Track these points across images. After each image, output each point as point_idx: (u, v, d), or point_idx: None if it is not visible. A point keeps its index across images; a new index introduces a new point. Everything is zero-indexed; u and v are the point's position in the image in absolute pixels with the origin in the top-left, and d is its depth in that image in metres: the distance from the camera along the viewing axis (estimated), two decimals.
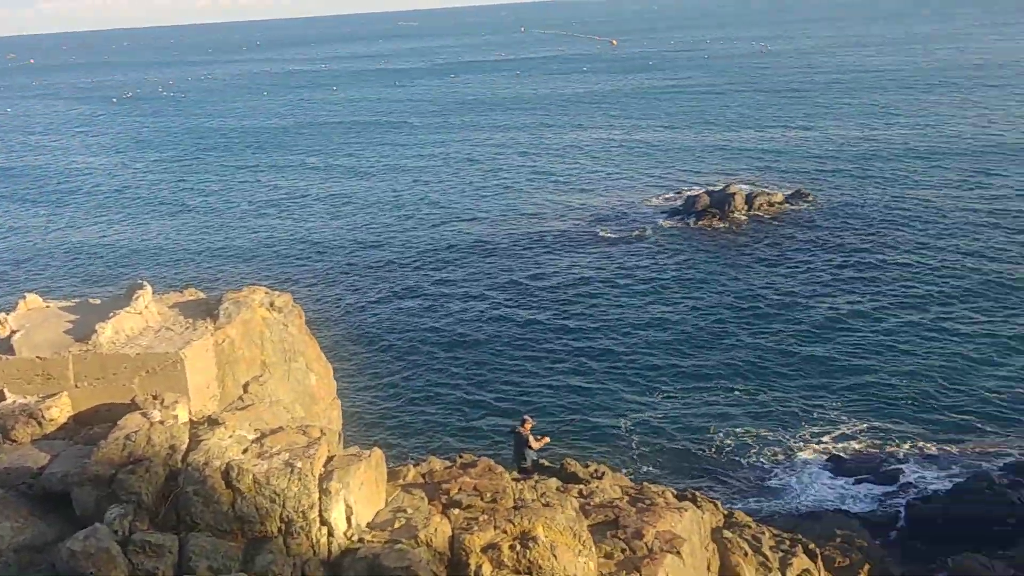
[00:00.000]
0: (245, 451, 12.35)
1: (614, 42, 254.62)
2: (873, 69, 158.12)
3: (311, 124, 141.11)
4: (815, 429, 37.44)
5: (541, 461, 25.17)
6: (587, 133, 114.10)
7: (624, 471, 29.51)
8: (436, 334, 50.47)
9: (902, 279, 52.73)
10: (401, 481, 15.21)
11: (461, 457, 18.92)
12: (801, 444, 36.49)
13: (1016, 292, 49.22)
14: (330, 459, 12.57)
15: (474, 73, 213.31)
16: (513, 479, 16.58)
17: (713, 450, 36.63)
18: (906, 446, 35.71)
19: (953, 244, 57.81)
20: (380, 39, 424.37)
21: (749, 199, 69.96)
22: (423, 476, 15.76)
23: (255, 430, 13.13)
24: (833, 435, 36.94)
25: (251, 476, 11.65)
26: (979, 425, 36.65)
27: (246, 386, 16.14)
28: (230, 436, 12.67)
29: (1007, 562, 25.19)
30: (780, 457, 35.80)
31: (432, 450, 35.08)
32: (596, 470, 24.05)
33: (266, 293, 17.95)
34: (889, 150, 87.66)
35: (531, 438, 23.82)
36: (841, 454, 35.53)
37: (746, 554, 18.96)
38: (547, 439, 25.08)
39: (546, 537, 12.40)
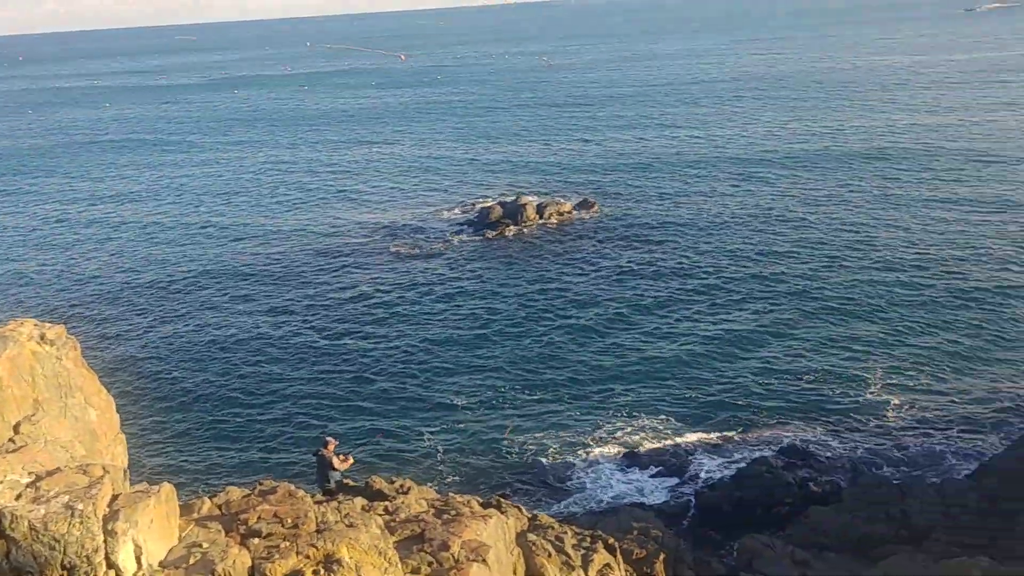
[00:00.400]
0: (19, 497, 11.48)
1: (403, 56, 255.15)
2: (649, 83, 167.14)
3: (79, 144, 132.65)
4: (610, 427, 38.99)
5: (346, 481, 24.74)
6: (377, 148, 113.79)
7: (430, 484, 29.58)
8: (228, 357, 48.73)
9: (679, 279, 55.93)
10: (196, 515, 14.53)
11: (260, 484, 18.26)
12: (598, 443, 37.90)
13: (776, 286, 53.39)
14: (115, 498, 11.85)
15: (259, 88, 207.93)
16: (316, 502, 16.23)
17: (515, 455, 37.40)
18: (693, 437, 37.87)
19: (722, 244, 61.93)
20: (158, 54, 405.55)
21: (540, 209, 72.14)
22: (220, 507, 15.13)
23: (29, 473, 12.22)
24: (626, 431, 38.60)
25: (26, 523, 10.83)
26: (755, 413, 39.38)
27: (17, 427, 14.93)
28: (1, 482, 11.74)
29: (786, 540, 27.20)
30: (579, 457, 37.02)
31: (229, 479, 33.82)
32: (402, 485, 23.95)
33: (35, 326, 16.67)
34: (664, 159, 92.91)
35: (334, 459, 23.36)
36: (635, 449, 37.15)
37: (550, 555, 19.46)
38: (351, 459, 24.68)
39: (350, 558, 12.24)
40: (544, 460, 36.90)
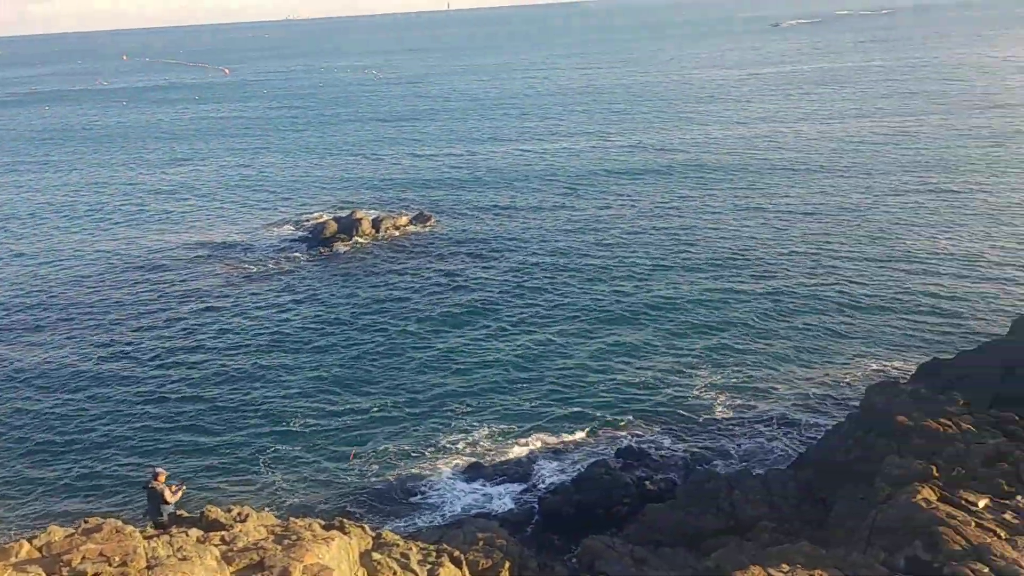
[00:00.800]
0: None
1: (227, 71, 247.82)
2: (477, 96, 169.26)
3: None
4: (452, 439, 39.10)
5: (179, 513, 23.75)
6: (200, 165, 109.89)
7: (269, 509, 28.76)
8: (42, 388, 45.82)
9: (513, 289, 56.83)
10: (13, 559, 13.61)
11: (85, 522, 17.28)
12: (441, 456, 37.93)
13: (604, 292, 55.09)
14: None
15: (72, 104, 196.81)
16: (147, 536, 15.52)
17: (358, 473, 36.93)
18: (535, 444, 38.49)
19: (552, 254, 63.34)
20: None
21: (376, 223, 71.61)
22: (40, 550, 14.23)
23: None
24: (469, 442, 38.81)
25: None
26: (592, 416, 40.43)
27: None
28: None
29: (626, 539, 28.08)
30: (423, 471, 36.91)
31: (50, 518, 31.82)
32: (240, 513, 23.16)
33: None
34: (496, 172, 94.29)
35: (166, 491, 22.41)
36: (478, 460, 37.38)
37: (395, 573, 19.32)
38: (184, 489, 23.75)
39: None
40: (388, 476, 36.59)
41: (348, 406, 42.52)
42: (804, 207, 71.32)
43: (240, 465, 37.81)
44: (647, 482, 33.73)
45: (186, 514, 24.30)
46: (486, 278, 59.30)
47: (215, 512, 23.44)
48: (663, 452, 37.04)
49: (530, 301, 54.55)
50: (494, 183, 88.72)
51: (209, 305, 56.89)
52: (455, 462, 37.44)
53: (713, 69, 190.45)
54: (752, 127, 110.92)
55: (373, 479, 36.50)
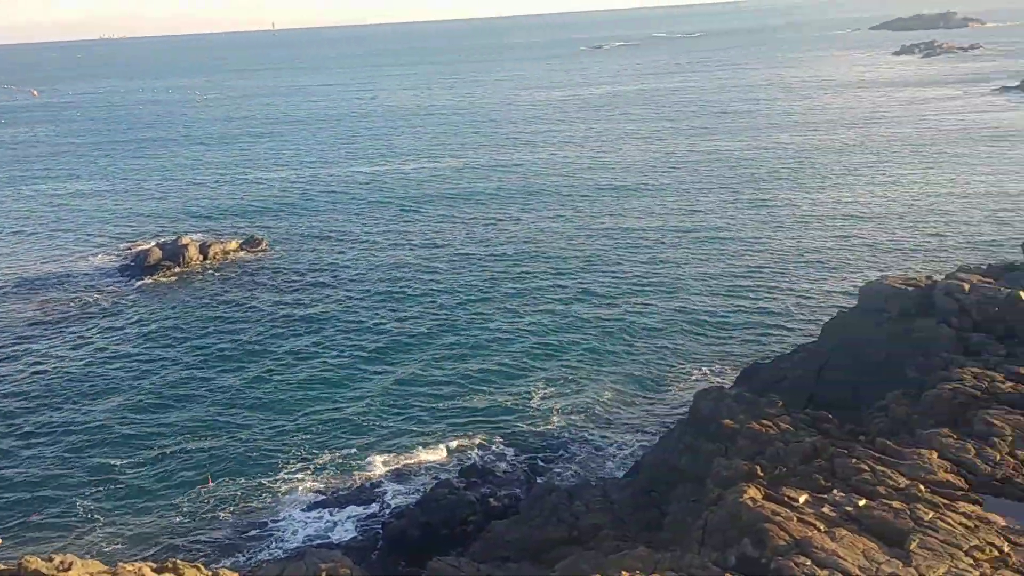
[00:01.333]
0: None
1: (35, 92, 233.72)
2: (301, 118, 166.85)
3: None
4: (291, 468, 38.11)
5: None
6: (1, 195, 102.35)
7: (91, 556, 27.16)
8: None
9: (347, 311, 56.23)
10: None
11: None
12: (281, 485, 36.90)
13: (434, 311, 55.39)
14: None
15: None
16: None
17: (190, 509, 35.38)
18: (379, 468, 38.02)
19: (382, 273, 63.18)
20: None
21: (203, 249, 69.08)
22: None
23: None
24: (309, 470, 37.92)
25: None
26: (434, 435, 40.40)
27: None
28: None
29: (471, 557, 28.19)
30: (263, 502, 35.78)
31: None
32: (62, 562, 21.76)
33: None
34: (327, 194, 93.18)
35: None
36: (321, 487, 36.63)
37: None
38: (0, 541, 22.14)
39: None
40: (224, 511, 35.25)
41: (173, 439, 40.87)
42: (625, 226, 73.53)
43: (64, 511, 35.53)
44: (491, 499, 34.00)
45: (2, 566, 22.65)
46: (322, 302, 58.33)
47: (34, 562, 21.95)
48: (506, 468, 37.45)
49: (367, 327, 53.96)
50: (325, 205, 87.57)
51: (19, 348, 53.06)
52: (296, 490, 36.50)
53: (539, 90, 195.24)
54: (577, 147, 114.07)
55: (209, 515, 35.08)
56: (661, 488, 29.07)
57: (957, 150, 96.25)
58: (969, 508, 21.29)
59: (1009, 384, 27.25)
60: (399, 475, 37.64)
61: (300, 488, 36.71)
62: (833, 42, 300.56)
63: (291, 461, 38.71)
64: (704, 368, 45.88)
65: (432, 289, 59.95)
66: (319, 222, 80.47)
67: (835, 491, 22.59)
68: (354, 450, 39.46)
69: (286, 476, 37.59)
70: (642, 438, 39.20)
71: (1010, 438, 24.27)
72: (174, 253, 67.63)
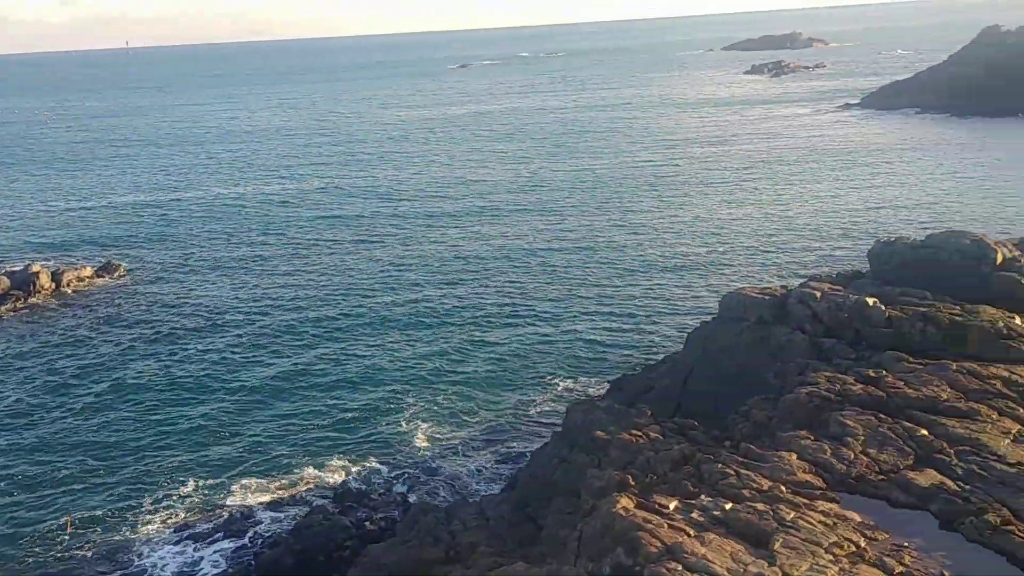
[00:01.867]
0: None
1: None
2: (157, 139, 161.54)
3: None
4: (155, 500, 36.59)
5: None
6: None
7: None
8: None
9: (211, 336, 54.74)
10: None
11: None
12: (146, 518, 35.34)
13: (300, 329, 54.76)
14: None
15: None
16: None
17: (52, 548, 33.47)
18: (249, 497, 36.87)
19: (251, 294, 61.95)
20: None
21: (56, 277, 65.63)
22: None
23: None
24: (174, 500, 36.48)
25: None
26: (305, 459, 39.59)
27: None
28: None
29: None
30: (126, 537, 34.13)
31: None
32: None
33: None
34: (187, 216, 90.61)
35: None
36: (187, 518, 35.27)
37: None
38: None
39: None
40: (82, 549, 33.47)
41: (33, 476, 38.77)
42: (492, 246, 74.02)
43: None
44: (367, 522, 33.54)
45: None
46: (183, 329, 56.52)
47: None
48: (381, 491, 37.00)
49: (227, 352, 52.59)
50: (184, 229, 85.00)
51: None
52: (162, 524, 35.05)
53: (405, 109, 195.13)
54: (441, 169, 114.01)
55: (65, 554, 33.24)
56: (536, 502, 29.33)
57: (806, 166, 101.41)
58: (827, 506, 22.36)
59: (860, 386, 28.78)
60: (271, 504, 36.58)
61: (165, 520, 35.28)
62: (687, 62, 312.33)
63: (154, 490, 37.21)
64: (574, 381, 46.64)
65: (297, 317, 58.44)
66: (179, 247, 77.92)
67: (703, 496, 23.33)
68: (222, 478, 38.23)
69: (151, 508, 36.07)
70: (517, 452, 39.47)
71: (862, 438, 25.64)
72: (23, 281, 63.98)
